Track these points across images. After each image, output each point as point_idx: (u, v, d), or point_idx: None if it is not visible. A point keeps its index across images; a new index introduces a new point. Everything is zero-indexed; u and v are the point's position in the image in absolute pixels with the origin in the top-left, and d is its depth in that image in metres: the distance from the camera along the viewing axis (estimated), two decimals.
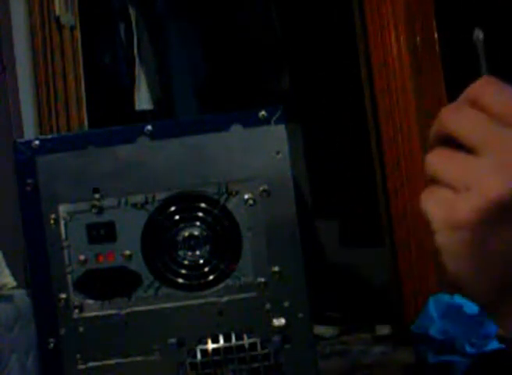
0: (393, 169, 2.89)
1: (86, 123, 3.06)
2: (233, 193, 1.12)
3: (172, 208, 1.13)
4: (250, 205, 1.12)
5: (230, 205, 1.12)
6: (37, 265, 1.13)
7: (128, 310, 1.13)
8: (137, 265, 1.13)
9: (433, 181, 0.45)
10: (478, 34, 0.49)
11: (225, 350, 1.12)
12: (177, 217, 1.13)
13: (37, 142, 1.13)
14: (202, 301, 1.13)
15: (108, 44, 3.40)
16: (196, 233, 1.13)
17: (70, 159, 1.13)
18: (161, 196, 1.13)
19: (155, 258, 1.13)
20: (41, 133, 2.93)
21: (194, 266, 1.13)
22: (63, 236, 1.13)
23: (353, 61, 3.06)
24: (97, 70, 3.31)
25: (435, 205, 0.44)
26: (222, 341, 1.12)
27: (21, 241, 1.15)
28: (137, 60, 3.46)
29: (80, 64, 3.06)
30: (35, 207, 1.12)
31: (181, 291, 1.13)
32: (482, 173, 0.42)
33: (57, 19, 2.99)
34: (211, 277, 1.13)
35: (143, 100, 3.45)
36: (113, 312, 1.13)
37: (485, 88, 0.44)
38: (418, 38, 2.88)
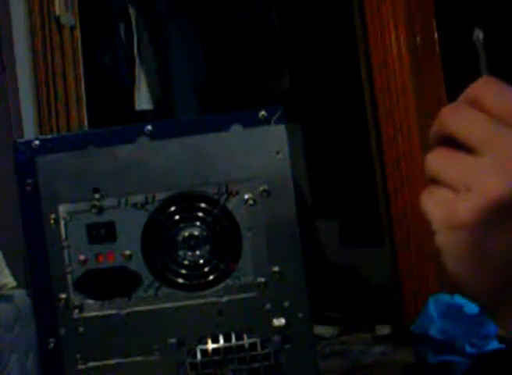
0: (393, 169, 2.89)
1: (86, 123, 3.06)
2: (233, 193, 1.12)
3: (172, 208, 1.13)
4: (250, 205, 1.12)
5: (230, 205, 1.12)
6: (37, 265, 1.13)
7: (128, 310, 1.13)
8: (137, 265, 1.13)
9: (433, 181, 0.45)
10: (478, 34, 0.49)
11: (225, 350, 1.12)
12: (177, 217, 1.13)
13: (37, 142, 1.13)
14: (202, 301, 1.13)
15: (108, 44, 3.40)
16: (196, 233, 1.13)
17: (70, 159, 1.13)
18: (161, 196, 1.13)
19: (155, 258, 1.13)
20: (41, 133, 2.93)
21: (194, 266, 1.13)
22: (63, 236, 1.13)
23: (353, 61, 3.06)
24: (97, 70, 3.31)
25: (435, 206, 0.44)
26: (222, 341, 1.12)
27: (21, 241, 1.15)
28: (137, 60, 3.46)
29: (80, 64, 3.06)
30: (35, 207, 1.12)
31: (181, 291, 1.13)
32: (482, 173, 0.42)
33: (57, 19, 2.99)
34: (211, 277, 1.13)
35: (143, 100, 3.45)
36: (113, 312, 1.13)
37: (485, 88, 0.44)
38: (418, 38, 2.88)
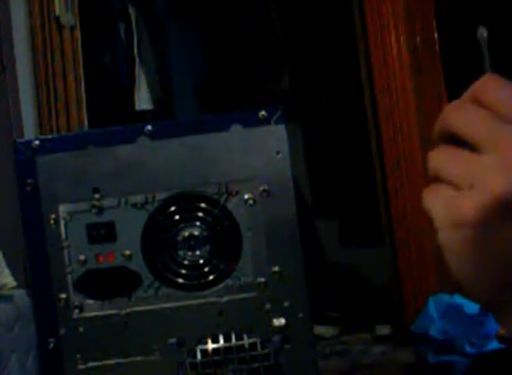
0: (393, 169, 2.89)
1: (86, 123, 3.06)
2: (233, 193, 1.12)
3: (172, 208, 1.13)
4: (250, 205, 1.12)
5: (230, 205, 1.12)
6: (37, 265, 1.13)
7: (128, 310, 1.13)
8: (137, 265, 1.13)
9: (436, 179, 0.45)
10: (482, 32, 0.49)
11: (225, 350, 1.12)
12: (177, 217, 1.13)
13: (37, 142, 1.13)
14: (202, 301, 1.13)
15: (108, 44, 3.40)
16: (196, 233, 1.13)
17: (70, 159, 1.13)
18: (161, 196, 1.13)
19: (155, 258, 1.13)
20: (41, 133, 2.93)
21: (194, 266, 1.13)
22: (63, 236, 1.13)
23: (353, 61, 3.06)
24: (97, 70, 3.31)
25: (438, 203, 0.44)
26: (222, 341, 1.12)
27: (21, 241, 1.15)
28: (137, 60, 3.46)
29: (80, 64, 3.05)
30: (35, 207, 1.12)
31: (181, 291, 1.13)
32: (486, 170, 0.42)
33: (57, 19, 2.99)
34: (211, 277, 1.13)
35: (143, 100, 3.44)
36: (113, 312, 1.13)
37: (489, 86, 0.44)
38: (418, 38, 2.88)
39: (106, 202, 1.13)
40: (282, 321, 1.12)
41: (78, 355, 1.12)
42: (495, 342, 2.14)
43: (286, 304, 1.12)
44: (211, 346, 1.12)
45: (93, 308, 1.13)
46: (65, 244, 1.13)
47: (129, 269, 1.13)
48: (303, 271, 1.12)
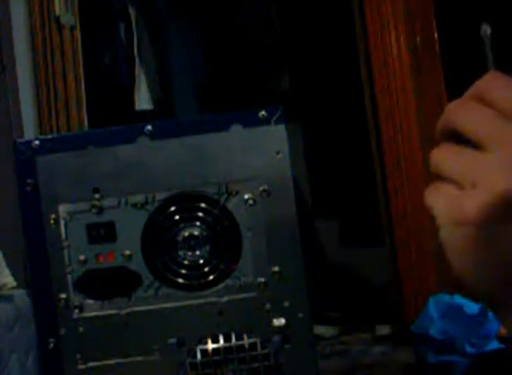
0: (393, 169, 2.89)
1: (86, 123, 3.06)
2: (233, 193, 1.12)
3: (172, 208, 1.13)
4: (250, 205, 1.12)
5: (230, 205, 1.12)
6: (37, 265, 1.13)
7: (128, 310, 1.13)
8: (137, 265, 1.13)
9: (439, 177, 0.45)
10: (486, 29, 0.49)
11: (225, 350, 1.12)
12: (177, 217, 1.13)
13: (37, 142, 1.13)
14: (202, 301, 1.12)
15: (108, 44, 3.40)
16: (196, 233, 1.13)
17: (70, 159, 1.13)
18: (161, 196, 1.13)
19: (155, 258, 1.13)
20: (41, 133, 2.93)
21: (194, 266, 1.13)
22: (63, 236, 1.13)
23: (353, 61, 3.06)
24: (97, 70, 3.31)
25: (441, 201, 0.44)
26: (222, 341, 1.12)
27: (21, 241, 1.15)
28: (137, 60, 3.46)
29: (80, 64, 3.05)
30: (35, 207, 1.12)
31: (181, 291, 1.13)
32: (489, 169, 0.42)
33: (57, 19, 2.99)
34: (211, 277, 1.13)
35: (143, 100, 3.44)
36: (113, 312, 1.13)
37: (492, 83, 0.44)
38: (418, 38, 2.88)
39: (106, 202, 1.13)
40: (282, 321, 1.12)
41: (78, 355, 1.12)
42: (495, 342, 2.14)
43: (286, 304, 1.12)
44: (211, 346, 1.12)
45: (93, 308, 1.13)
46: (65, 244, 1.13)
47: (129, 269, 1.13)
48: (303, 271, 1.12)
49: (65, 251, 1.13)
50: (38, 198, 1.12)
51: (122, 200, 1.13)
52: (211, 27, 3.92)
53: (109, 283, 1.13)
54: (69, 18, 3.00)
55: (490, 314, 2.14)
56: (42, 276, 1.12)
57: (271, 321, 1.12)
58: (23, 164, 1.13)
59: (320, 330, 3.09)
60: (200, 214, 1.13)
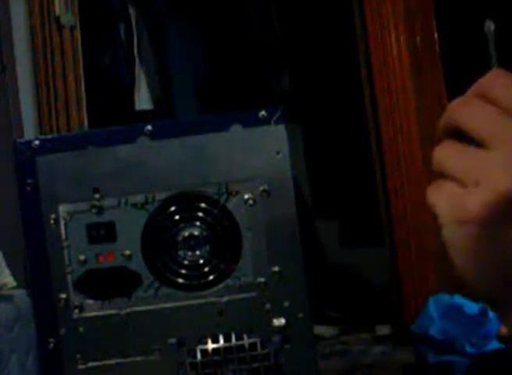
0: (393, 169, 2.89)
1: (86, 123, 3.06)
2: (233, 193, 1.12)
3: (172, 208, 1.13)
4: (250, 205, 1.12)
5: (230, 205, 1.12)
6: (37, 265, 1.13)
7: (128, 310, 1.13)
8: (137, 265, 1.13)
9: (441, 175, 0.45)
10: (490, 26, 0.49)
11: (225, 350, 1.11)
12: (177, 217, 1.13)
13: (37, 142, 1.13)
14: (202, 301, 1.12)
15: (108, 44, 3.40)
16: (196, 233, 1.13)
17: (70, 159, 1.13)
18: (161, 196, 1.13)
19: (155, 258, 1.13)
20: (41, 133, 2.93)
21: (194, 266, 1.13)
22: (63, 236, 1.13)
23: (353, 61, 3.06)
24: (97, 70, 3.31)
25: (443, 199, 0.44)
26: (222, 341, 1.12)
27: (21, 241, 1.15)
28: (137, 60, 3.46)
29: (80, 64, 3.06)
30: (35, 207, 1.12)
31: (181, 291, 1.13)
32: (492, 167, 0.41)
33: (57, 19, 3.00)
34: (211, 277, 1.13)
35: (143, 100, 3.44)
36: (113, 312, 1.13)
37: (495, 81, 0.44)
38: (418, 38, 2.88)
39: (106, 202, 1.13)
40: (282, 321, 1.12)
41: (78, 355, 1.12)
42: (495, 342, 2.14)
43: (286, 304, 1.12)
44: (211, 346, 1.12)
45: (93, 308, 1.13)
46: (65, 244, 1.13)
47: (129, 269, 1.13)
48: (303, 271, 1.12)
49: (65, 251, 1.13)
50: (38, 198, 1.12)
51: (122, 200, 1.13)
52: (211, 27, 3.92)
53: (109, 283, 1.13)
54: (69, 18, 3.00)
55: (490, 314, 2.14)
56: (42, 276, 1.12)
57: (271, 321, 1.12)
58: (23, 164, 1.13)
59: (320, 330, 3.09)
60: (200, 214, 1.13)
